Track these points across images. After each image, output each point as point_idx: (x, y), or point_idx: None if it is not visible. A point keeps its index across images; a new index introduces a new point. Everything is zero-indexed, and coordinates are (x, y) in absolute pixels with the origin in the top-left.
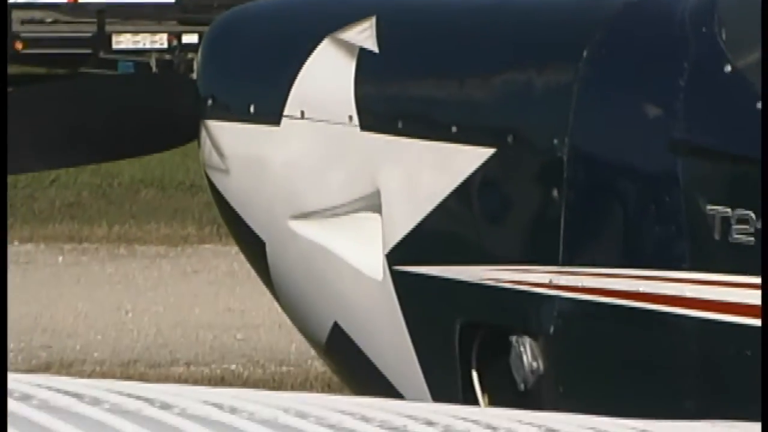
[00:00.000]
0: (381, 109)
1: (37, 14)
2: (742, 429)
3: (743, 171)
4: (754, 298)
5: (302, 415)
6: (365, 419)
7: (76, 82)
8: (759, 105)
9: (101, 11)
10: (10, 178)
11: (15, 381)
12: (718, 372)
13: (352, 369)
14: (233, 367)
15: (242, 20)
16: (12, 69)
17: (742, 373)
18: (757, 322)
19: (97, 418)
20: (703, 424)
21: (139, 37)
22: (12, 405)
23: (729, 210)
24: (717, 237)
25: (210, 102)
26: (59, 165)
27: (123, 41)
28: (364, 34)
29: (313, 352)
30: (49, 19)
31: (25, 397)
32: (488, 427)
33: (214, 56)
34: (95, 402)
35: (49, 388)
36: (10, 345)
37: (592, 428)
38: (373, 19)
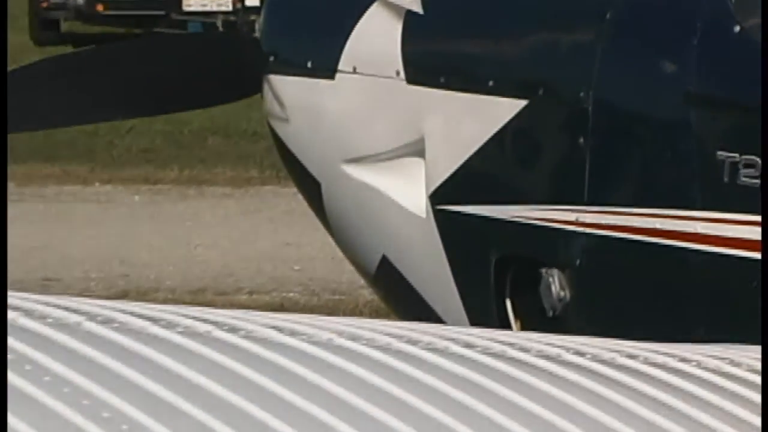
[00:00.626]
0: (425, 65)
1: None
2: (744, 350)
3: (750, 120)
4: (758, 234)
5: (354, 338)
6: (411, 341)
7: (152, 39)
8: None
9: None
10: (92, 126)
11: (98, 306)
12: (726, 301)
13: (398, 297)
14: (291, 295)
15: None
16: (94, 29)
17: (747, 302)
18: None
19: (170, 340)
20: (716, 346)
21: (207, 0)
22: (96, 328)
23: (737, 155)
24: (726, 180)
25: (272, 58)
26: (136, 114)
27: (192, 4)
28: None
29: (362, 282)
30: None
31: (108, 321)
32: (521, 349)
33: (275, 16)
34: (169, 325)
35: (128, 313)
36: (92, 274)
37: (614, 350)
38: None
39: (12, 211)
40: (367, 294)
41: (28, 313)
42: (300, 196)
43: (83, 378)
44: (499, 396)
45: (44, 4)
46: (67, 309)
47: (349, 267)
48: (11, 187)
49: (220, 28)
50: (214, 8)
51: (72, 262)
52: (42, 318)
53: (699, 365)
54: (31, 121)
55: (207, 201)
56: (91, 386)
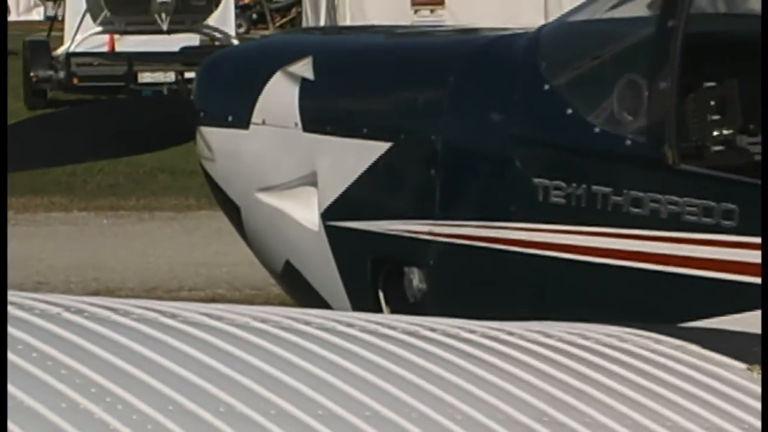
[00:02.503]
0: (316, 118)
1: (87, 59)
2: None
3: (556, 154)
4: (565, 239)
5: (264, 321)
6: (306, 323)
7: (114, 102)
8: (569, 111)
9: (130, 57)
10: (71, 167)
11: (73, 300)
12: (543, 290)
13: (299, 291)
14: (220, 291)
15: (222, 59)
16: (70, 96)
17: (558, 292)
18: (567, 255)
19: (126, 324)
20: (537, 323)
21: (156, 74)
22: (71, 316)
23: (548, 181)
24: (540, 199)
25: (202, 114)
26: (103, 157)
27: (145, 77)
28: (304, 67)
29: (272, 280)
30: (96, 63)
31: (79, 311)
32: (389, 327)
33: (204, 84)
34: (126, 314)
35: (95, 305)
36: (72, 278)
37: (459, 326)
38: (310, 57)
39: (11, 232)
40: (276, 290)
41: (20, 306)
42: (225, 218)
43: (63, 355)
44: (373, 362)
45: (34, 79)
46: (49, 303)
47: (262, 269)
48: (10, 214)
49: (166, 94)
50: (162, 80)
51: (57, 270)
52: (30, 309)
53: (522, 337)
54: (23, 163)
55: (157, 223)
56: (69, 360)
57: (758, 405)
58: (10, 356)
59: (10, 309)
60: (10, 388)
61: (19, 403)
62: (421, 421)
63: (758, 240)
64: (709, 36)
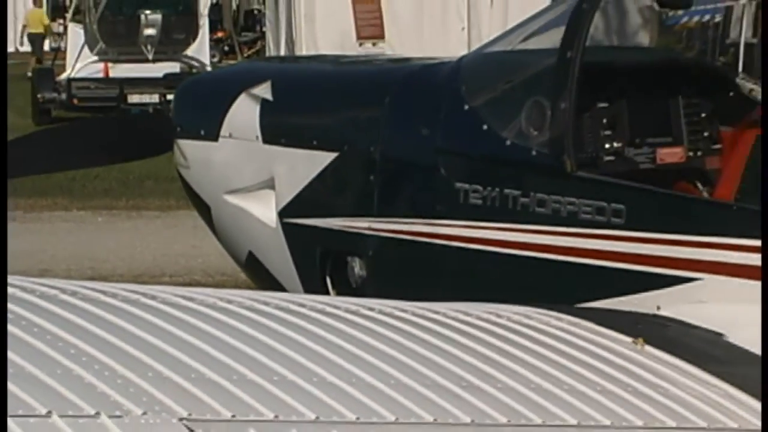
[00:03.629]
0: (273, 132)
1: (85, 83)
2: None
3: (474, 163)
4: (481, 234)
5: (230, 302)
6: (265, 303)
7: (107, 119)
8: (485, 127)
9: (122, 81)
10: (71, 173)
11: (69, 284)
12: (463, 277)
13: (260, 277)
14: (196, 277)
15: (196, 83)
16: (71, 114)
17: (476, 278)
18: (483, 247)
19: (113, 304)
20: (464, 303)
21: (143, 96)
22: (66, 297)
23: (467, 185)
24: (461, 201)
25: (179, 129)
26: (98, 165)
27: (134, 98)
28: (264, 90)
29: (238, 268)
30: (92, 86)
31: (73, 293)
32: (335, 307)
33: (181, 103)
34: (113, 295)
35: (88, 288)
36: (72, 266)
37: (394, 306)
38: (270, 81)
39: (19, 228)
40: (243, 276)
41: (23, 289)
42: (199, 216)
43: (59, 329)
44: (321, 336)
45: (41, 99)
46: (47, 286)
47: (230, 259)
48: (19, 213)
49: (151, 112)
50: (148, 101)
51: (58, 259)
52: (32, 291)
53: (445, 315)
54: (30, 169)
55: (143, 220)
56: (64, 334)
57: (641, 371)
58: (15, 330)
59: (15, 291)
60: (15, 358)
61: (21, 370)
62: (359, 385)
63: (644, 234)
64: (601, 65)
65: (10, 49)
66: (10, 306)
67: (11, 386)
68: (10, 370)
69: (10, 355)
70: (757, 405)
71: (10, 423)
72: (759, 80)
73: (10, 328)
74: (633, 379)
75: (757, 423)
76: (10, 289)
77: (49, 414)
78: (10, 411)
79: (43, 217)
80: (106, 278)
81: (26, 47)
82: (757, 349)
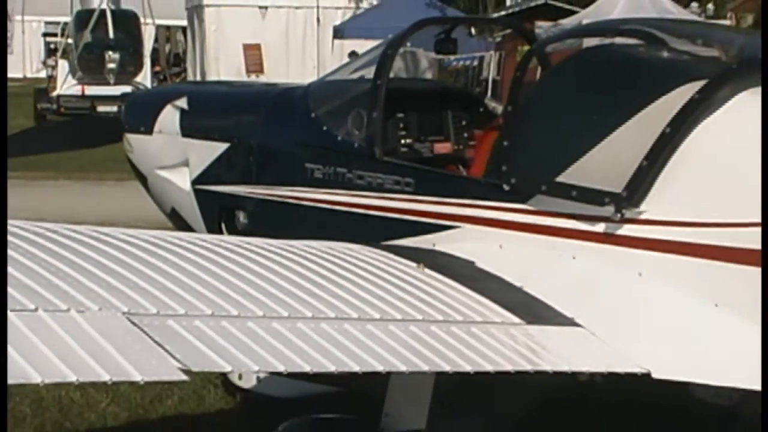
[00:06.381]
0: (189, 128)
1: (69, 98)
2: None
3: (317, 151)
4: (322, 197)
5: (143, 239)
6: (179, 239)
7: (82, 120)
8: (324, 128)
9: (93, 97)
10: (58, 154)
11: (52, 226)
12: (311, 225)
13: (179, 225)
14: (139, 224)
15: (139, 97)
16: (59, 118)
17: (319, 226)
18: (323, 205)
19: (79, 238)
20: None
21: (107, 107)
22: (49, 234)
23: (313, 165)
24: (308, 176)
25: (126, 126)
26: (75, 149)
27: (101, 108)
28: (182, 101)
29: (165, 218)
30: (74, 100)
31: (54, 231)
32: (225, 242)
33: (129, 110)
34: (80, 233)
35: (65, 229)
36: (57, 217)
37: (252, 243)
38: (186, 96)
39: (22, 191)
40: (168, 223)
41: (22, 228)
42: (140, 185)
43: (53, 258)
44: (216, 262)
45: (39, 108)
46: (38, 227)
47: (160, 212)
48: (23, 182)
49: (112, 117)
50: (109, 110)
51: (48, 212)
52: (27, 230)
53: (294, 247)
54: (29, 152)
55: (106, 187)
56: (57, 263)
57: (421, 284)
58: (15, 255)
59: (16, 230)
60: (16, 273)
61: (19, 281)
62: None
63: (425, 198)
64: (399, 90)
65: (29, 74)
66: (11, 239)
67: (12, 291)
68: (10, 281)
69: (11, 270)
70: (492, 305)
71: (11, 315)
72: (500, 102)
73: (11, 253)
74: (415, 289)
75: (494, 318)
76: (12, 229)
77: (36, 309)
78: (10, 307)
79: (38, 184)
80: (80, 223)
81: (40, 73)
82: (496, 271)
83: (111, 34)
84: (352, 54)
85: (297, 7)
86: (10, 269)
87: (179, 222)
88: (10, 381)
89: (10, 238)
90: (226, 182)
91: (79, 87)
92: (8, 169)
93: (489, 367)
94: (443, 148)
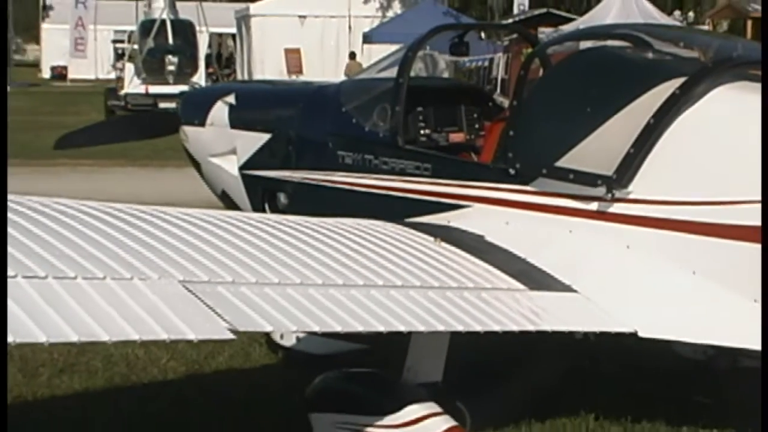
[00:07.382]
0: (237, 121)
1: (135, 96)
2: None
3: (348, 141)
4: (353, 180)
5: (192, 216)
6: (229, 216)
7: (146, 115)
8: (354, 120)
9: (155, 95)
10: (125, 144)
11: (97, 204)
12: (343, 205)
13: (228, 205)
14: (196, 204)
15: (194, 94)
16: (126, 113)
17: (351, 206)
18: (355, 188)
19: (119, 215)
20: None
21: (168, 104)
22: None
23: (344, 152)
24: (341, 161)
25: (183, 120)
26: (140, 139)
27: (162, 105)
28: (231, 98)
29: (216, 199)
30: (139, 98)
31: (94, 208)
32: (269, 218)
33: (184, 105)
34: (124, 212)
35: (137, 210)
36: (124, 198)
37: (293, 221)
38: (234, 93)
39: (96, 177)
40: (219, 204)
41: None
42: (194, 170)
43: (119, 234)
44: (253, 234)
45: (109, 105)
46: (113, 207)
47: (212, 194)
48: (96, 169)
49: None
50: (171, 106)
51: (118, 195)
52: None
53: (329, 224)
54: (100, 142)
55: (168, 173)
56: (123, 238)
57: (439, 256)
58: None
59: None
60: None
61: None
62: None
63: (441, 181)
64: (419, 87)
65: (101, 76)
66: (84, 216)
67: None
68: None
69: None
70: (500, 273)
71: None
72: (507, 97)
73: (83, 228)
74: (433, 260)
75: (501, 285)
76: (86, 209)
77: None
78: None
79: (109, 170)
80: (144, 203)
81: (110, 75)
82: (503, 245)
83: (171, 41)
84: (351, 55)
85: (331, 17)
86: (81, 242)
87: (228, 202)
88: (88, 339)
89: (83, 216)
90: (268, 168)
91: (144, 86)
92: (84, 157)
93: (496, 327)
94: (457, 137)
